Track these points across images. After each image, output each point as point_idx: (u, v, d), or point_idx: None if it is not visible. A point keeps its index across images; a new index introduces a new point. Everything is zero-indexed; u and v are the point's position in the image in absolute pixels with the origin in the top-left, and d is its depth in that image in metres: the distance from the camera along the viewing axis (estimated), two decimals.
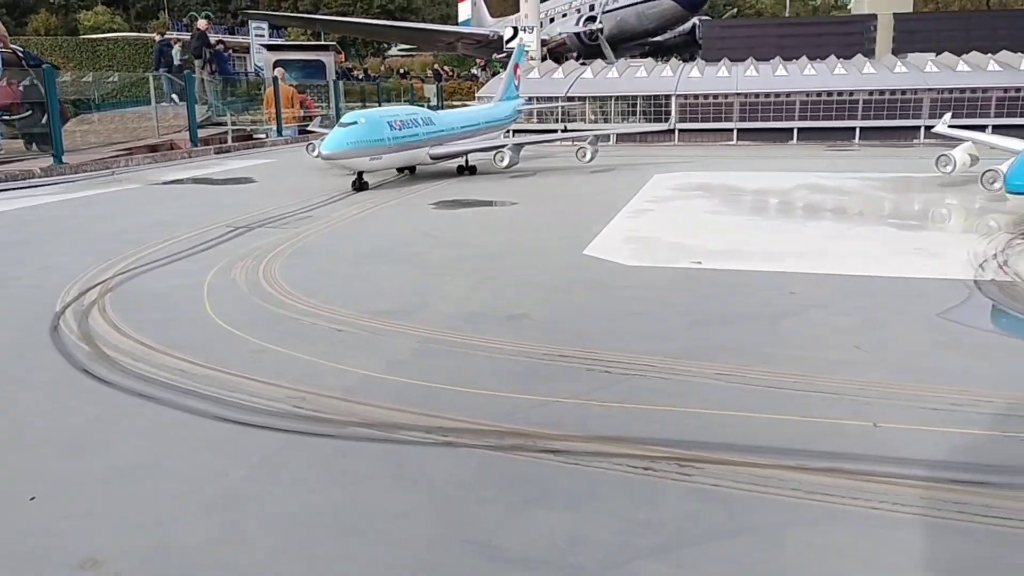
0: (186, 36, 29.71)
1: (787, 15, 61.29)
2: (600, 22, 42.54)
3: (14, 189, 12.44)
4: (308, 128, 21.42)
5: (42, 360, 4.86)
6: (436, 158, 13.87)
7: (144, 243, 8.18)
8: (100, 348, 5.00)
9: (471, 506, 3.17)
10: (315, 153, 14.41)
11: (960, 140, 12.04)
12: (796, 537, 2.94)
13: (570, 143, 16.16)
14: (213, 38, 25.86)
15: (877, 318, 5.54)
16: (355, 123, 12.29)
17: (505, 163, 13.59)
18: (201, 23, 24.38)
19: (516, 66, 19.79)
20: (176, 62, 23.26)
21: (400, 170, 14.00)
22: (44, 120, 14.95)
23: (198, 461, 3.56)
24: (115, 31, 54.92)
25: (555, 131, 20.48)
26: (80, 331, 5.35)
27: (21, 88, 15.15)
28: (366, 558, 2.83)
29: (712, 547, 2.89)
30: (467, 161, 14.33)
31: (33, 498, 3.23)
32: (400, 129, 12.87)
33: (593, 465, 3.49)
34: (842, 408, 4.03)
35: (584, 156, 14.21)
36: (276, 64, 28.65)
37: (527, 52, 35.21)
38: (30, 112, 15.03)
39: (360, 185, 12.33)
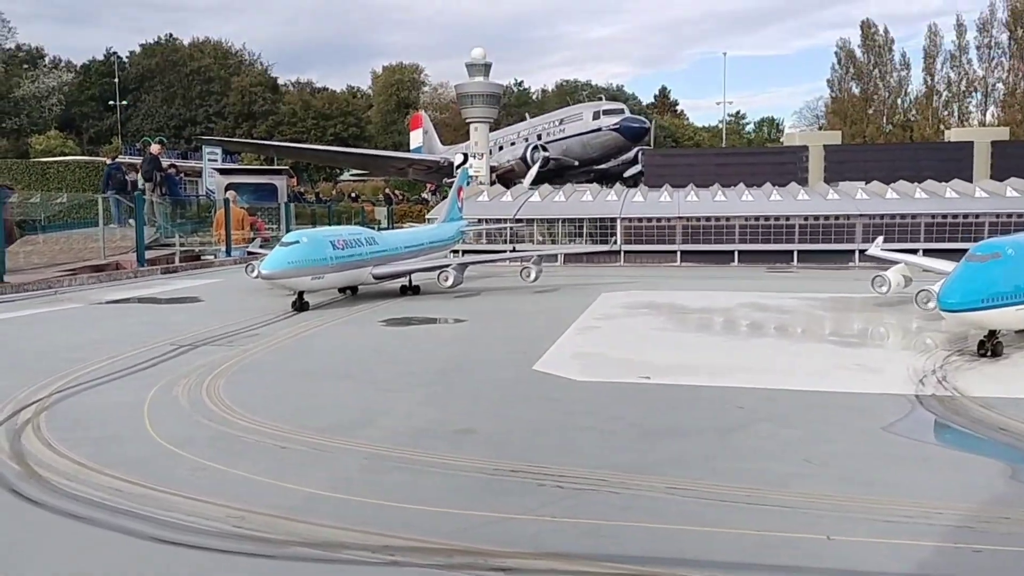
0: (138, 160, 29.94)
1: (723, 147, 64.50)
2: (547, 150, 44.28)
3: None
4: (249, 249, 20.88)
5: None
6: (379, 278, 13.70)
7: (84, 361, 7.94)
8: (31, 467, 4.77)
9: None
10: (254, 274, 14.01)
11: (894, 262, 12.55)
12: None
13: (517, 263, 16.23)
14: (165, 162, 26.13)
15: (824, 432, 5.60)
16: (296, 242, 12.06)
17: (450, 283, 13.44)
18: (154, 148, 24.72)
19: (460, 189, 20.13)
20: (140, 186, 23.29)
21: (342, 290, 13.65)
22: None
23: None
24: (67, 155, 55.09)
25: (503, 251, 20.84)
26: (11, 450, 5.10)
27: None
28: None
29: None
30: (411, 281, 14.14)
31: None
32: (343, 248, 12.65)
33: None
34: (795, 521, 4.00)
35: (529, 276, 14.23)
36: (228, 187, 28.86)
37: (475, 177, 36.29)
38: None
39: (301, 305, 11.93)
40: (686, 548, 3.70)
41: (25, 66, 71.47)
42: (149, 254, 19.49)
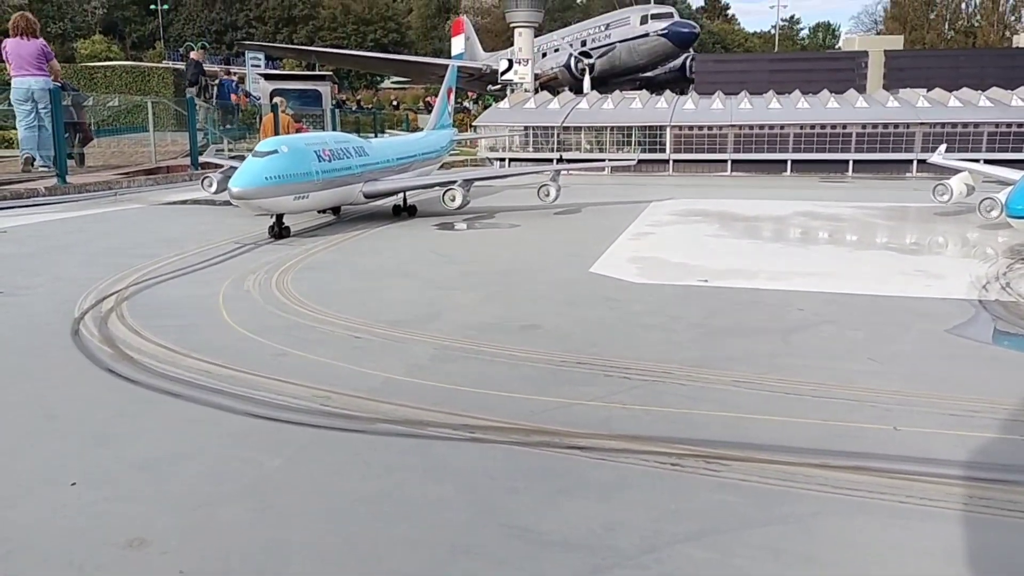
0: (180, 65, 29.91)
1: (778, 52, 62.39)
2: (592, 57, 43.23)
3: (20, 207, 12.46)
4: (204, 158, 18.14)
5: (66, 360, 4.89)
6: (371, 196, 11.70)
7: (154, 257, 8.21)
8: (122, 350, 5.03)
9: (503, 496, 3.21)
10: (211, 188, 12.38)
11: (956, 170, 12.23)
12: (828, 526, 2.99)
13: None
14: (221, 68, 26.12)
15: (887, 333, 5.63)
16: (275, 152, 9.68)
17: (457, 203, 11.35)
18: (194, 54, 24.66)
19: (450, 90, 18.12)
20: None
21: (322, 211, 11.56)
22: (77, 140, 16.50)
23: (231, 452, 3.59)
24: (112, 60, 55.25)
25: (551, 160, 20.67)
26: (101, 335, 5.37)
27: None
28: (405, 540, 2.86)
29: (746, 534, 2.93)
30: (406, 200, 12.20)
31: (74, 483, 3.25)
32: (330, 160, 10.46)
33: (620, 461, 3.54)
34: (861, 413, 4.09)
35: (548, 195, 12.19)
36: (274, 93, 28.79)
37: (520, 84, 35.66)
38: (67, 134, 15.34)
39: (280, 232, 9.76)
40: (755, 435, 3.81)
41: None
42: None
